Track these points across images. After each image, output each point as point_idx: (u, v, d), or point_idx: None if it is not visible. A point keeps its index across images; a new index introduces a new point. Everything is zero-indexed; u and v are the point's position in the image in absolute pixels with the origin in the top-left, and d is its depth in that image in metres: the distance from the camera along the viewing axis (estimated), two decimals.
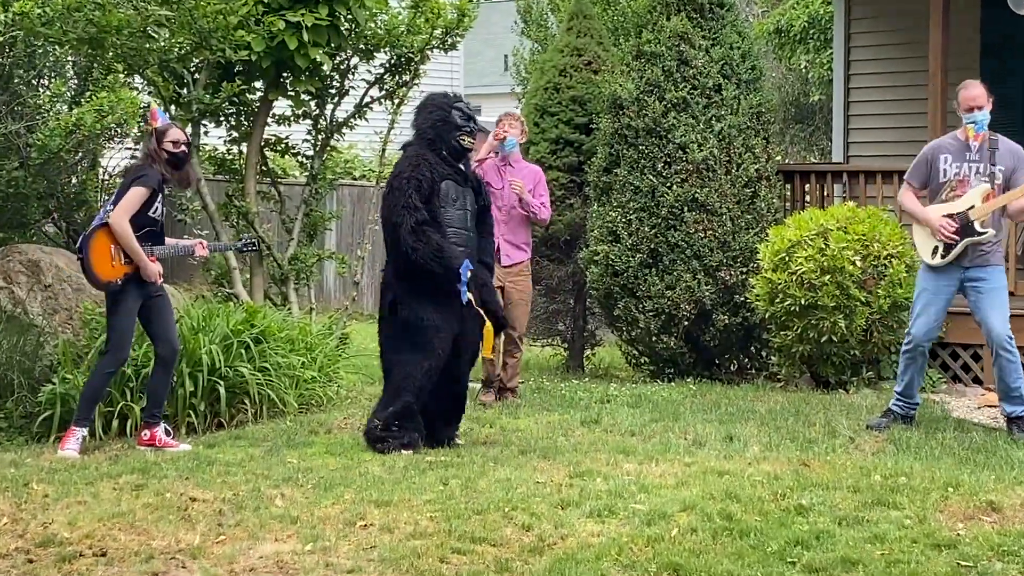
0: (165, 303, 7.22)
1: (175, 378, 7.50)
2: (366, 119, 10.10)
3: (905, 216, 8.04)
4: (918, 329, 7.28)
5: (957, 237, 7.10)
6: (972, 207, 7.12)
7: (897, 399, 7.45)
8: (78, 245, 7.21)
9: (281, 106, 9.94)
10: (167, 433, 7.19)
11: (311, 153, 10.08)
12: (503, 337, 8.45)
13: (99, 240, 7.04)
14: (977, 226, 7.10)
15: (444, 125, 6.93)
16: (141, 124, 13.00)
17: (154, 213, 7.14)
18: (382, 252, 15.59)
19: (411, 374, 6.77)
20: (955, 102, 7.27)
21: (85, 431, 7.07)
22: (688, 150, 9.44)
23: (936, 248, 7.20)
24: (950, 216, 7.15)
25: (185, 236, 11.78)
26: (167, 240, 7.32)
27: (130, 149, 14.84)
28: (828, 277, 8.54)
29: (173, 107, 9.38)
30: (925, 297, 7.29)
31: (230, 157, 10.22)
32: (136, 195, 7.07)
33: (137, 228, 7.05)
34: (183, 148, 7.25)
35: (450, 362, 6.90)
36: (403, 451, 6.67)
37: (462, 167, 7.04)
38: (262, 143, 9.87)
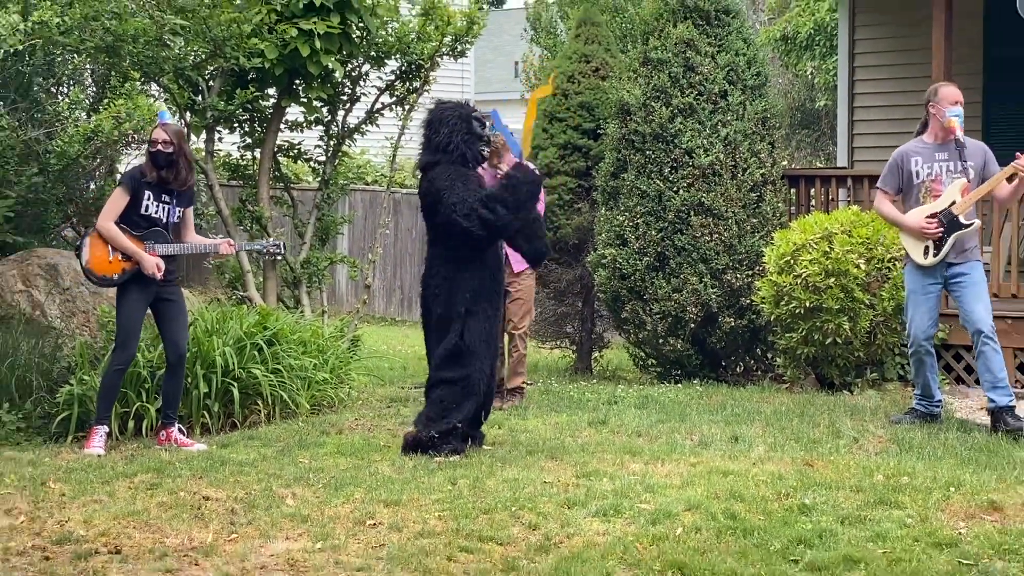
0: (177, 307, 7.23)
1: (189, 379, 7.52)
2: (377, 125, 10.12)
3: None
4: (915, 330, 7.41)
5: (944, 233, 7.22)
6: (954, 202, 7.26)
7: (919, 400, 7.57)
8: (76, 245, 7.26)
9: (294, 112, 9.96)
10: (181, 432, 7.23)
11: (323, 159, 10.10)
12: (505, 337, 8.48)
13: (95, 240, 7.14)
14: (962, 219, 7.25)
15: (469, 138, 6.76)
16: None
17: (147, 212, 7.12)
18: (393, 256, 15.65)
19: (459, 401, 6.69)
20: (932, 102, 7.33)
21: (106, 427, 7.11)
22: (694, 155, 9.44)
23: (927, 248, 7.33)
24: (932, 216, 7.28)
25: None
26: (194, 238, 7.31)
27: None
28: (832, 280, 8.53)
29: (188, 114, 9.41)
30: (914, 299, 7.44)
31: (244, 163, 10.25)
32: (113, 197, 7.16)
33: (138, 227, 7.09)
34: (159, 147, 7.12)
35: None
36: (451, 457, 6.58)
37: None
38: (275, 149, 9.89)
